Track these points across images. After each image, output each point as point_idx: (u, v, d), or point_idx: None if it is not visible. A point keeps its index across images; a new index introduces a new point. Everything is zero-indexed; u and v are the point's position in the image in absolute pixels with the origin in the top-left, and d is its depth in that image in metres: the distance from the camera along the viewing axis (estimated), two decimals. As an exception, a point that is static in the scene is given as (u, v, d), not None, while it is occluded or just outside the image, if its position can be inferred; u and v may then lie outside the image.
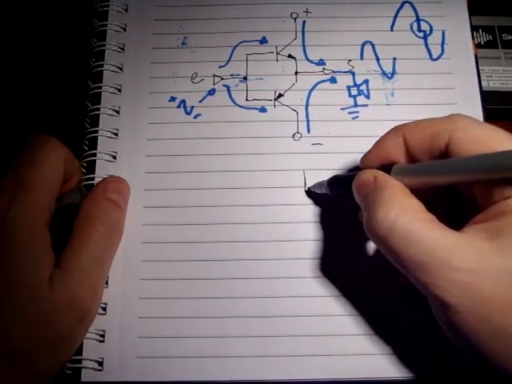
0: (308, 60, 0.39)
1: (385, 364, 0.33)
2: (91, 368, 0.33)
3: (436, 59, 0.39)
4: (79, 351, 0.33)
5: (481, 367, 0.25)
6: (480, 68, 0.38)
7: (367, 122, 0.37)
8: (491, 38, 0.44)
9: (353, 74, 0.39)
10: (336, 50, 0.39)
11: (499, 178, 0.25)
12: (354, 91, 0.38)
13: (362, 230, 0.28)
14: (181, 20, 0.40)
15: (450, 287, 0.24)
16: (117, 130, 0.37)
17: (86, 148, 0.37)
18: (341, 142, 0.37)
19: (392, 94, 0.38)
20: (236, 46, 0.39)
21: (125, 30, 0.40)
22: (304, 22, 0.40)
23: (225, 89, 0.38)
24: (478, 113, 0.37)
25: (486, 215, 0.26)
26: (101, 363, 0.33)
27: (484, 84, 0.39)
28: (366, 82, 0.38)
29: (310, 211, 0.36)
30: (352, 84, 0.38)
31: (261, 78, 0.39)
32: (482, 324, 0.24)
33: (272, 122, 0.38)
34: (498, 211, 0.25)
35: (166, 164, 0.37)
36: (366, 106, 0.38)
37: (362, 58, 0.39)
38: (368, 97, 0.38)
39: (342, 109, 0.38)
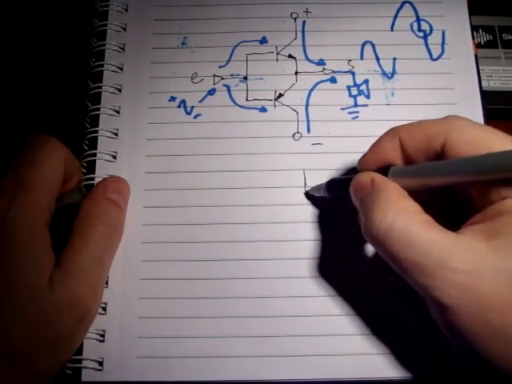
0: (308, 60, 0.39)
1: (384, 364, 0.33)
2: (91, 368, 0.33)
3: (436, 59, 0.38)
4: (79, 351, 0.33)
5: (480, 367, 0.25)
6: (480, 68, 0.38)
7: (367, 122, 0.37)
8: (491, 38, 0.44)
9: (353, 73, 0.39)
10: (336, 49, 0.39)
11: (495, 179, 0.25)
12: (354, 91, 0.38)
13: (361, 230, 0.28)
14: (181, 20, 0.40)
15: (448, 288, 0.24)
16: (117, 130, 0.37)
17: (86, 148, 0.37)
18: (341, 141, 0.37)
19: (392, 94, 0.38)
20: (236, 46, 0.39)
21: (125, 29, 0.39)
22: (304, 22, 0.40)
23: (225, 89, 0.38)
24: (478, 113, 0.37)
25: (483, 216, 0.26)
26: (101, 363, 0.33)
27: (484, 84, 0.39)
28: (366, 81, 0.38)
29: (309, 211, 0.36)
30: (352, 84, 0.38)
31: (261, 78, 0.39)
32: (481, 325, 0.24)
33: (272, 121, 0.38)
34: (494, 212, 0.25)
35: (166, 164, 0.37)
36: (366, 106, 0.38)
37: (362, 57, 0.39)
38: (368, 97, 0.38)
39: (342, 109, 0.38)
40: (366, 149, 0.31)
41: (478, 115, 0.37)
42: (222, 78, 0.39)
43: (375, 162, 0.30)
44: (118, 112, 0.38)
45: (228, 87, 0.38)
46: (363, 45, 0.39)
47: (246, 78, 0.39)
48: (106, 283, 0.34)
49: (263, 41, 0.39)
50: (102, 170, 0.36)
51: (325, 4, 0.40)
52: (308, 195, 0.36)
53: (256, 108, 0.38)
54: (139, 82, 0.38)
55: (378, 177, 0.28)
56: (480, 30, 0.44)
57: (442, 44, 0.39)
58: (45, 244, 0.31)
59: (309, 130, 0.37)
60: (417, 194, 0.27)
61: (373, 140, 0.31)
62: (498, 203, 0.25)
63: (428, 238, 0.25)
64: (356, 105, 0.38)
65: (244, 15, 0.40)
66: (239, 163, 0.37)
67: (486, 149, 0.25)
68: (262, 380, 0.33)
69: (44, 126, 0.42)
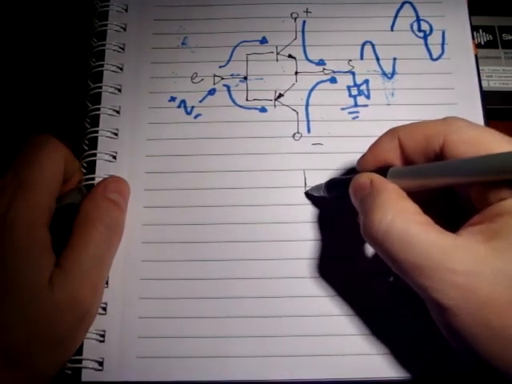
0: (308, 60, 0.39)
1: (385, 364, 0.33)
2: (91, 368, 0.33)
3: (436, 59, 0.38)
4: (79, 351, 0.33)
5: (479, 368, 0.25)
6: (480, 68, 0.38)
7: (367, 122, 0.37)
8: (491, 38, 0.43)
9: (353, 73, 0.39)
10: (336, 49, 0.39)
11: (495, 180, 0.25)
12: (354, 91, 0.38)
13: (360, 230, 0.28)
14: (181, 20, 0.40)
15: (447, 290, 0.24)
16: (117, 129, 0.37)
17: (86, 148, 0.37)
18: (341, 141, 0.37)
19: (392, 94, 0.38)
20: (236, 46, 0.39)
21: (125, 29, 0.40)
22: (304, 22, 0.40)
23: (225, 89, 0.38)
24: (477, 113, 0.37)
25: (482, 217, 0.26)
26: (101, 363, 0.33)
27: (484, 84, 0.39)
28: (366, 81, 0.38)
29: (310, 211, 0.36)
30: (352, 84, 0.38)
31: (261, 78, 0.39)
32: (480, 326, 0.24)
33: (272, 121, 0.38)
34: (493, 213, 0.25)
35: (165, 164, 0.37)
36: (366, 106, 0.38)
37: (362, 58, 0.39)
38: (368, 97, 0.38)
39: (342, 109, 0.38)
40: (366, 149, 0.31)
41: (478, 115, 0.37)
42: (222, 78, 0.39)
43: (374, 163, 0.30)
44: (118, 112, 0.38)
45: (228, 87, 0.38)
46: (363, 45, 0.39)
47: (246, 78, 0.39)
48: (106, 283, 0.34)
49: (263, 41, 0.39)
50: (102, 170, 0.36)
51: (325, 4, 0.40)
52: (308, 195, 0.36)
53: (256, 108, 0.38)
54: (139, 81, 0.38)
55: (377, 178, 0.28)
56: (480, 30, 0.44)
57: (442, 44, 0.39)
58: (45, 244, 0.31)
59: (309, 130, 0.37)
60: (416, 195, 0.27)
61: (373, 140, 0.31)
62: (497, 204, 0.25)
63: (427, 239, 0.25)
64: (356, 105, 0.38)
65: (244, 15, 0.40)
66: (239, 163, 0.37)
67: (485, 150, 0.25)
68: (263, 380, 0.33)
69: (44, 125, 0.42)
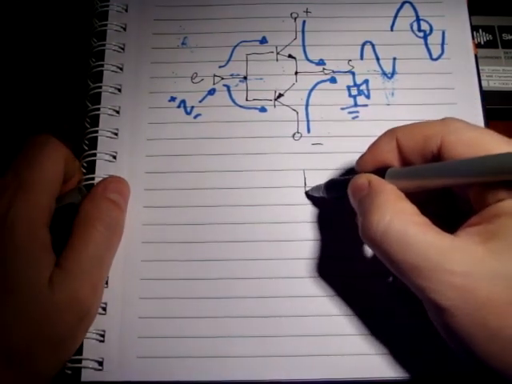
0: (308, 60, 0.39)
1: (384, 364, 0.33)
2: (91, 368, 0.33)
3: (436, 59, 0.38)
4: (79, 351, 0.33)
5: (477, 368, 0.25)
6: (480, 68, 0.38)
7: (367, 122, 0.37)
8: (491, 38, 0.43)
9: (353, 73, 0.38)
10: (336, 49, 0.39)
11: (493, 181, 0.25)
12: (354, 91, 0.38)
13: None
14: (181, 20, 0.40)
15: (445, 290, 0.24)
16: (117, 129, 0.37)
17: (86, 148, 0.37)
18: (341, 141, 0.37)
19: (392, 94, 0.38)
20: (236, 46, 0.39)
21: (125, 29, 0.40)
22: (304, 22, 0.40)
23: (225, 89, 0.38)
24: (477, 113, 0.37)
25: (480, 218, 0.26)
26: (101, 363, 0.33)
27: (484, 84, 0.39)
28: (366, 81, 0.38)
29: (310, 211, 0.36)
30: (352, 84, 0.38)
31: (261, 78, 0.39)
32: (478, 327, 0.24)
33: (272, 121, 0.38)
34: (491, 214, 0.25)
35: (165, 164, 0.37)
36: (366, 105, 0.38)
37: (361, 57, 0.39)
38: (368, 97, 0.38)
39: (342, 109, 0.38)
40: (365, 149, 0.31)
41: (477, 115, 0.37)
42: (222, 78, 0.39)
43: (373, 163, 0.30)
44: (117, 112, 0.38)
45: (228, 87, 0.38)
46: (363, 45, 0.39)
47: (245, 78, 0.39)
48: (106, 283, 0.34)
49: (263, 41, 0.39)
50: (102, 170, 0.36)
51: (325, 4, 0.40)
52: (308, 195, 0.36)
53: (256, 108, 0.38)
54: (139, 81, 0.38)
55: (375, 179, 0.28)
56: (480, 30, 0.44)
57: (442, 44, 0.39)
58: (45, 244, 0.31)
59: (309, 130, 0.37)
60: (414, 196, 0.27)
61: (373, 140, 0.31)
62: (495, 205, 0.25)
63: (425, 239, 0.25)
64: (356, 105, 0.38)
65: (244, 15, 0.40)
66: (239, 163, 0.37)
67: (483, 151, 0.25)
68: (262, 380, 0.33)
69: (44, 125, 0.42)
